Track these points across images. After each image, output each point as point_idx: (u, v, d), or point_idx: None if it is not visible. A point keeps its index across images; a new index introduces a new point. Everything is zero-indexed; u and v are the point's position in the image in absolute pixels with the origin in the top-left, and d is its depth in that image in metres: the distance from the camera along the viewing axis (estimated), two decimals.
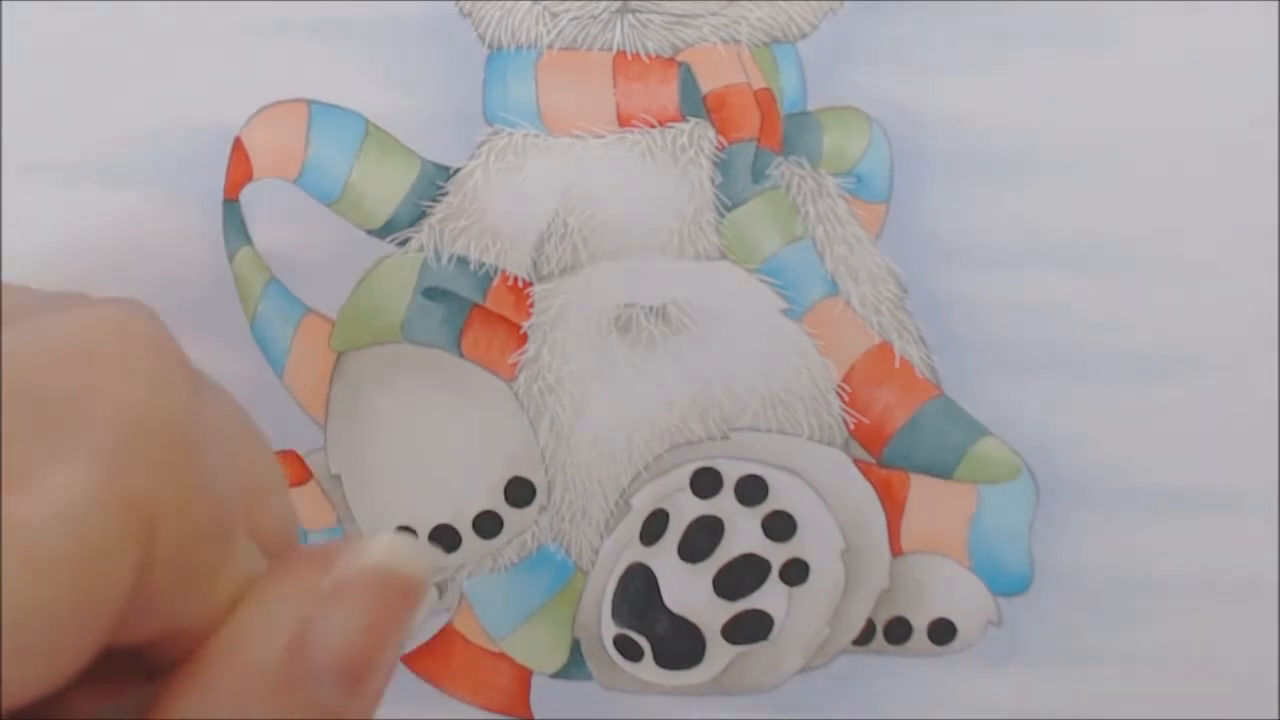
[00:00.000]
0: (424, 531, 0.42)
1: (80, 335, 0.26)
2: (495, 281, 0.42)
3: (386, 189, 0.42)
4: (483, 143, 0.43)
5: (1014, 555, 0.42)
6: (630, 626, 0.41)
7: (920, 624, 0.42)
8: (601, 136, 0.42)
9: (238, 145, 0.42)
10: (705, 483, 0.41)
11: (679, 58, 0.42)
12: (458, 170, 0.43)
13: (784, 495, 0.41)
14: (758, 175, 0.42)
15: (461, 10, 0.42)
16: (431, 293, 0.42)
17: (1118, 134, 0.42)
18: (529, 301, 0.42)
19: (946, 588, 0.42)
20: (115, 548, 0.24)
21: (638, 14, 0.42)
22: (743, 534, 0.41)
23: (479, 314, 0.42)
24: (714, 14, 0.42)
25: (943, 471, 0.42)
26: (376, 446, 0.42)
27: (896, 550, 0.42)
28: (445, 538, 0.42)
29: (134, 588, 0.25)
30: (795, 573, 0.41)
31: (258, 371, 0.43)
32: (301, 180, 0.43)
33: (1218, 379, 0.42)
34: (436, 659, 0.43)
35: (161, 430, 0.25)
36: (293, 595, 0.27)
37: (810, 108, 0.43)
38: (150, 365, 0.26)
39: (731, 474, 0.41)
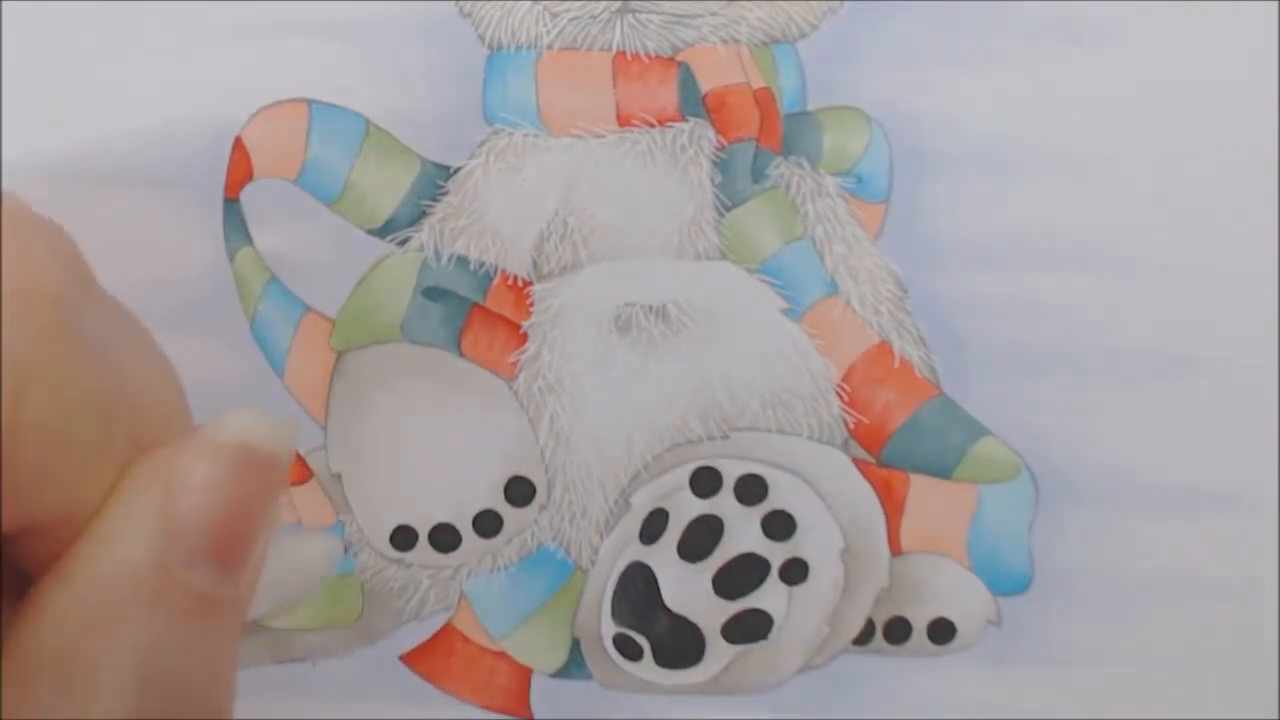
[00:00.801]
0: (424, 530, 0.42)
1: None
2: (495, 281, 0.42)
3: (386, 189, 0.43)
4: (483, 143, 0.43)
5: (1014, 555, 0.42)
6: (630, 626, 0.41)
7: (920, 624, 0.42)
8: (601, 136, 0.42)
9: (238, 145, 0.42)
10: (705, 482, 0.41)
11: (679, 58, 0.42)
12: (458, 170, 0.43)
13: (784, 495, 0.41)
14: (757, 175, 0.42)
15: (461, 10, 0.42)
16: (431, 292, 0.42)
17: (1118, 134, 0.42)
18: (529, 301, 0.42)
19: (946, 587, 0.42)
20: None
21: (638, 14, 0.42)
22: (742, 533, 0.41)
23: (479, 314, 0.42)
24: (714, 14, 0.42)
25: (942, 471, 0.42)
26: (376, 446, 0.42)
27: (896, 550, 0.42)
28: (445, 537, 0.42)
29: None
30: (795, 572, 0.41)
31: (258, 371, 0.43)
32: (301, 180, 0.43)
33: (1218, 379, 0.42)
34: (436, 659, 0.43)
35: (42, 300, 0.26)
36: (155, 481, 0.27)
37: (810, 108, 0.43)
38: (42, 245, 0.26)
39: (731, 473, 0.41)
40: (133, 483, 0.28)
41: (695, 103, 0.42)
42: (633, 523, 0.41)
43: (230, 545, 0.27)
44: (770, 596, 0.41)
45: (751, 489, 0.41)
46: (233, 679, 0.29)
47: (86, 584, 0.27)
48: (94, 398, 0.27)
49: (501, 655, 0.43)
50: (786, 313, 0.42)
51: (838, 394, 0.42)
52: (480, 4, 0.42)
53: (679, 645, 0.41)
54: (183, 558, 0.27)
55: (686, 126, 0.42)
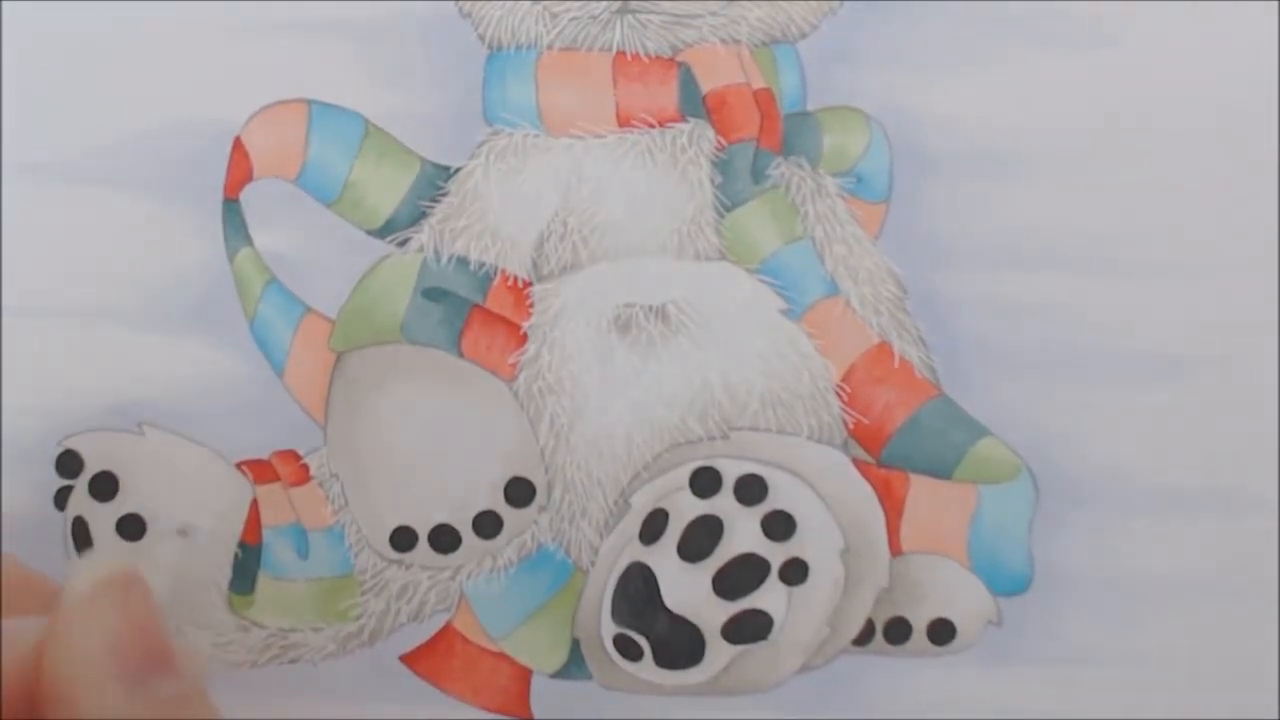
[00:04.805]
0: (424, 531, 0.42)
1: None
2: (495, 281, 0.42)
3: (386, 189, 0.43)
4: (483, 143, 0.43)
5: (1014, 555, 0.42)
6: (630, 626, 0.41)
7: (920, 624, 0.42)
8: (601, 137, 0.42)
9: (238, 145, 0.42)
10: (705, 482, 0.41)
11: (679, 58, 0.42)
12: (458, 170, 0.43)
13: (784, 495, 0.41)
14: (757, 175, 0.42)
15: (461, 10, 0.42)
16: (431, 293, 0.42)
17: (1117, 134, 0.42)
18: (529, 301, 0.42)
19: (946, 587, 0.42)
20: None
21: (637, 14, 0.42)
22: (742, 533, 0.41)
23: (479, 314, 0.42)
24: (714, 14, 0.42)
25: (943, 471, 0.42)
26: (376, 446, 0.42)
27: (896, 550, 0.42)
28: (445, 538, 0.42)
29: None
30: (795, 572, 0.41)
31: (258, 371, 0.43)
32: (301, 180, 0.43)
33: (1218, 379, 0.42)
34: (436, 659, 0.43)
35: None
36: None
37: (810, 108, 0.43)
38: None
39: (731, 473, 0.41)
40: None
41: (695, 103, 0.42)
42: (632, 523, 0.41)
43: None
44: (770, 597, 0.41)
45: (751, 489, 0.41)
46: None
47: None
48: None
49: (501, 656, 0.43)
50: (786, 313, 0.42)
51: (837, 394, 0.42)
52: (480, 4, 0.42)
53: (679, 645, 0.41)
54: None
55: (686, 127, 0.42)
